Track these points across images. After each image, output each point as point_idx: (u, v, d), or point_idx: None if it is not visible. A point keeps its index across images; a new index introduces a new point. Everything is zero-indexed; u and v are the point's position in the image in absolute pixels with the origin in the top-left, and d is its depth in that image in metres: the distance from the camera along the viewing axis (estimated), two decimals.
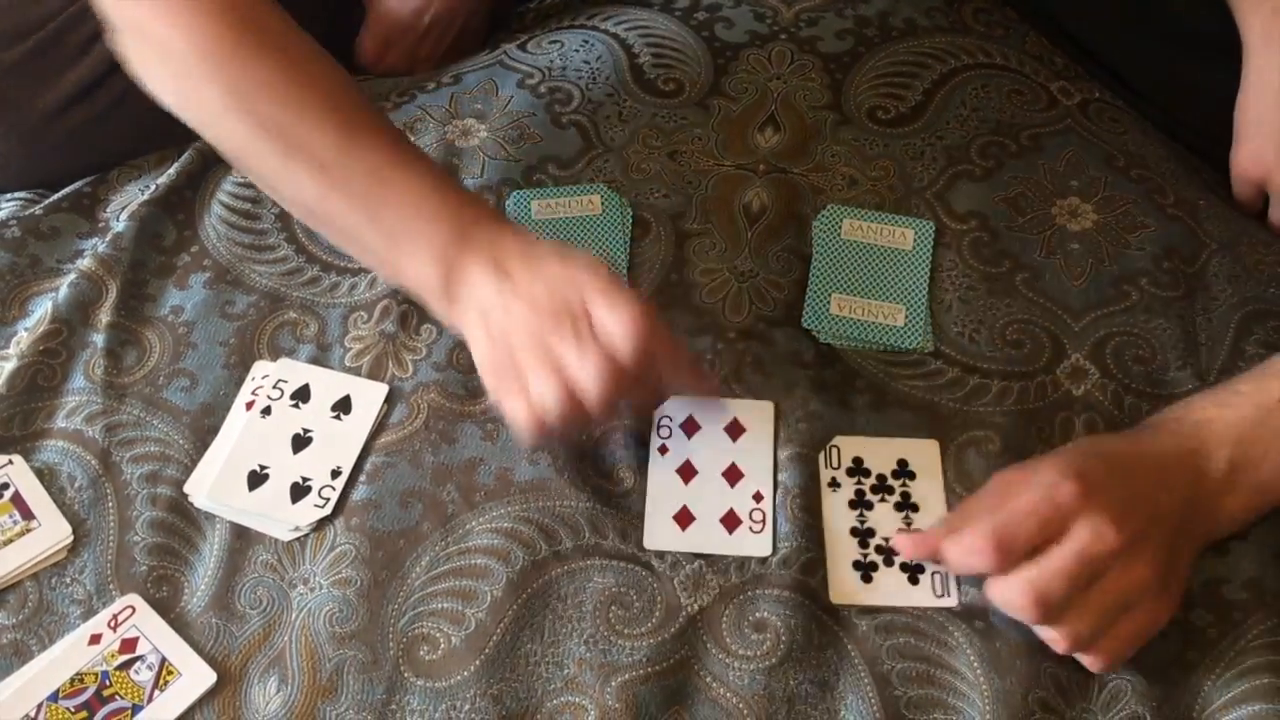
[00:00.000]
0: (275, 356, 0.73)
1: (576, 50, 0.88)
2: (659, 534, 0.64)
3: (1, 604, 0.63)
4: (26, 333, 0.73)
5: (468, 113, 0.84)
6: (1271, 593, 0.62)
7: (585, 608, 0.62)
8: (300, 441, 0.69)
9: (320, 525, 0.65)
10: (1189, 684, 0.60)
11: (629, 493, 0.66)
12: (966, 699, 0.59)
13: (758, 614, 0.61)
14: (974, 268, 0.75)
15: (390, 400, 0.70)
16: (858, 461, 0.67)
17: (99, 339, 0.73)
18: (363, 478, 0.67)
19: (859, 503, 0.66)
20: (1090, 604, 0.56)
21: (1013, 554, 0.55)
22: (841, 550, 0.64)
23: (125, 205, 0.80)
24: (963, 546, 0.57)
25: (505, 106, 0.85)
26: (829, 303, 0.73)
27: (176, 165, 0.81)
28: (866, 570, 0.63)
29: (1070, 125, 0.82)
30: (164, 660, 0.61)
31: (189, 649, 0.61)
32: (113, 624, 0.62)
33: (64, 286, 0.74)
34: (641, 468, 0.67)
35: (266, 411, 0.70)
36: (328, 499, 0.66)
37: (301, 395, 0.70)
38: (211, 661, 0.61)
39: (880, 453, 0.67)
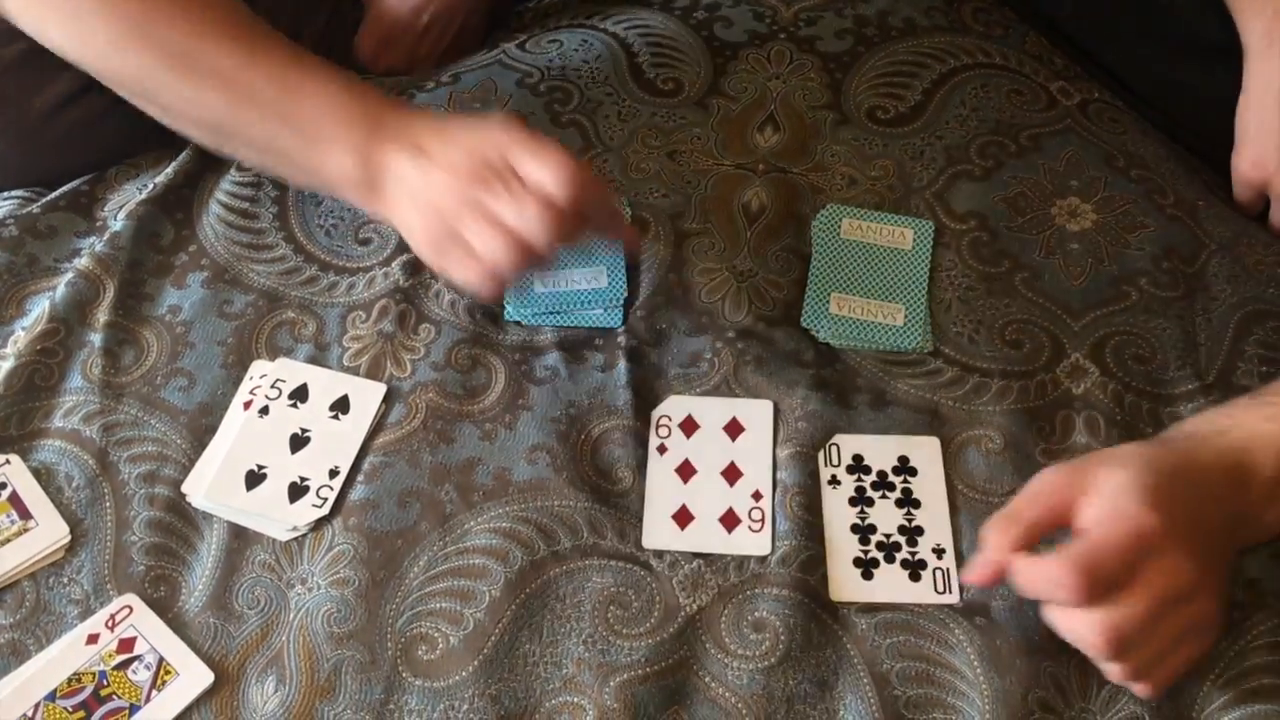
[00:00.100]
0: (273, 356, 0.72)
1: (575, 49, 0.88)
2: (658, 533, 0.64)
3: None
4: (24, 332, 0.73)
5: (467, 112, 0.84)
6: (1271, 593, 0.62)
7: (584, 608, 0.62)
8: (298, 441, 0.68)
9: (318, 525, 0.65)
10: (1189, 684, 0.60)
11: (627, 492, 0.66)
12: (966, 698, 0.59)
13: (757, 613, 0.61)
14: (973, 267, 0.75)
15: (388, 400, 0.70)
16: (858, 459, 0.67)
17: (96, 338, 0.72)
18: (361, 477, 0.67)
19: (860, 499, 0.65)
20: (1155, 639, 0.54)
21: (1098, 592, 0.53)
22: (842, 547, 0.64)
23: (123, 204, 0.79)
24: (1043, 576, 0.54)
25: (504, 106, 0.84)
26: (828, 302, 0.73)
27: (174, 164, 0.81)
28: (867, 567, 0.63)
29: (1070, 125, 0.82)
30: (161, 660, 0.61)
31: (187, 649, 0.61)
32: (110, 624, 0.62)
33: (61, 286, 0.74)
34: (640, 467, 0.67)
35: (264, 411, 0.70)
36: (326, 499, 0.66)
37: (299, 395, 0.70)
38: (209, 661, 0.61)
39: (881, 449, 0.67)
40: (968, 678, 0.59)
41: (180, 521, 0.66)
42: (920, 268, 0.75)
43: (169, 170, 0.81)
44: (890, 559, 0.63)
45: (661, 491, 0.66)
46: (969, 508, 0.65)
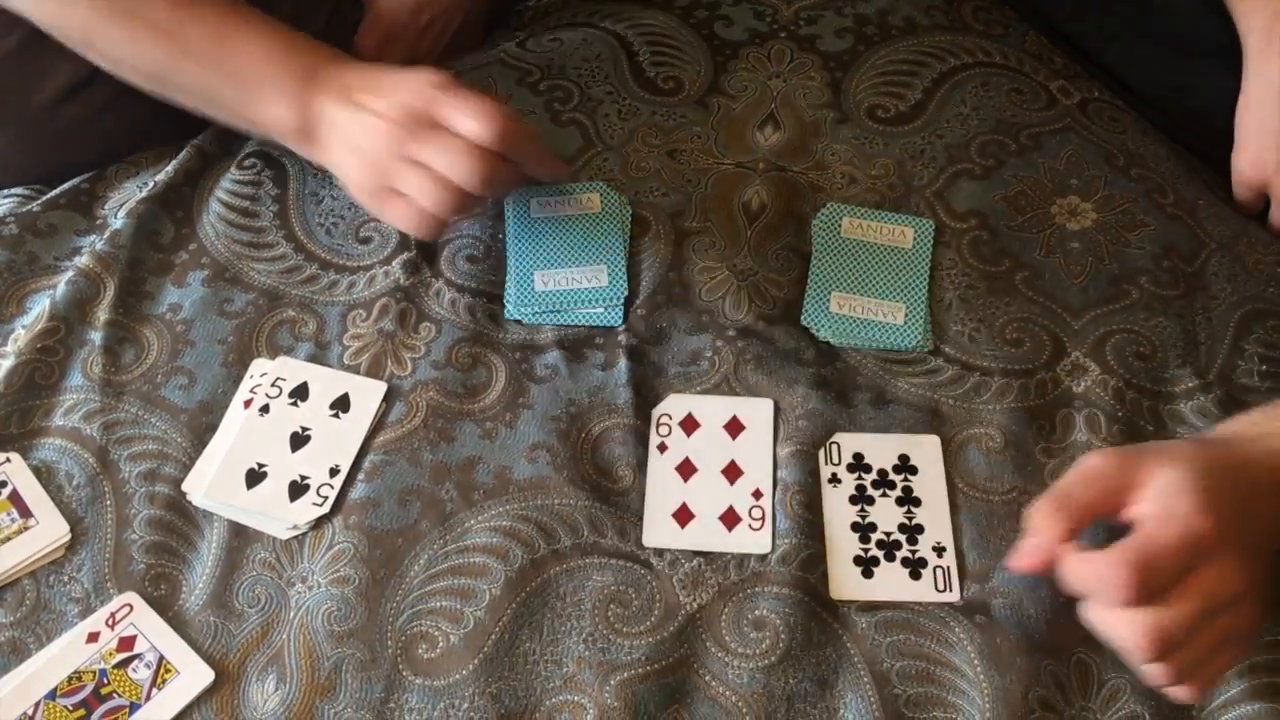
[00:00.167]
0: (274, 354, 0.72)
1: (576, 48, 0.88)
2: (658, 532, 0.64)
3: None
4: (24, 330, 0.73)
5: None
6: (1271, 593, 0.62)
7: (584, 606, 0.62)
8: (298, 439, 0.68)
9: (318, 523, 0.65)
10: None
11: (628, 490, 0.66)
12: (966, 696, 0.59)
13: (757, 612, 0.61)
14: (974, 266, 0.75)
15: (389, 398, 0.70)
16: (858, 457, 0.67)
17: (97, 337, 0.72)
18: (361, 476, 0.67)
19: (860, 498, 0.65)
20: (1199, 643, 0.53)
21: (1149, 593, 0.52)
22: (842, 546, 0.64)
23: (123, 202, 0.79)
24: (1094, 573, 0.53)
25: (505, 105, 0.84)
26: (828, 301, 0.73)
27: (175, 162, 0.81)
28: (868, 565, 0.63)
29: (1070, 124, 0.82)
30: (162, 658, 0.61)
31: (187, 647, 0.61)
32: (110, 622, 0.62)
33: (62, 284, 0.74)
34: (640, 465, 0.67)
35: (265, 410, 0.70)
36: (326, 497, 0.66)
37: (300, 393, 0.70)
38: (209, 660, 0.61)
39: (881, 448, 0.67)
40: (968, 676, 0.59)
41: (181, 520, 0.66)
42: (920, 266, 0.75)
43: (169, 168, 0.81)
44: (890, 557, 0.63)
45: (662, 490, 0.66)
46: (969, 506, 0.65)
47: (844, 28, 0.88)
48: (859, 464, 0.67)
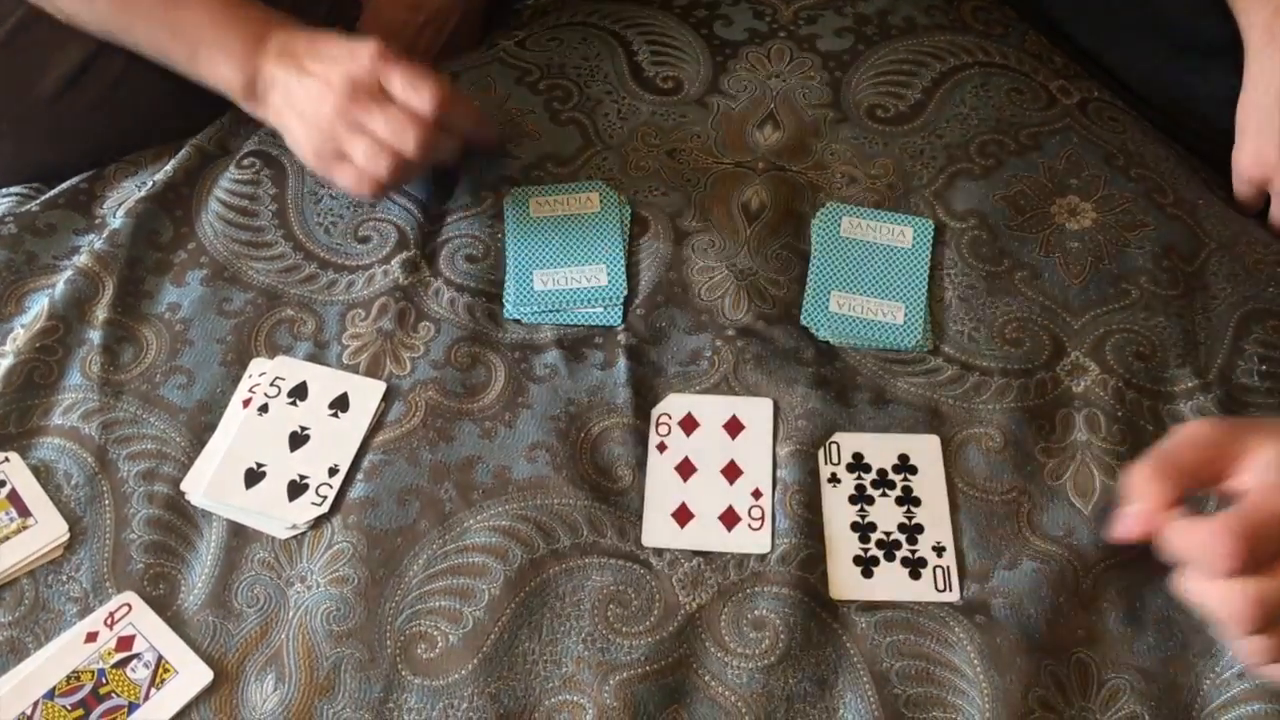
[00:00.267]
0: (273, 354, 0.72)
1: (575, 47, 0.88)
2: (657, 531, 0.64)
3: None
4: (23, 329, 0.73)
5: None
6: None
7: (583, 606, 0.61)
8: (297, 439, 0.68)
9: (317, 523, 0.65)
10: (1187, 683, 0.60)
11: (627, 490, 0.66)
12: (966, 696, 0.59)
13: (756, 612, 0.61)
14: (973, 266, 0.75)
15: (388, 398, 0.70)
16: (858, 457, 0.67)
17: (96, 336, 0.72)
18: (360, 475, 0.67)
19: (859, 498, 0.65)
20: None
21: (1259, 563, 0.50)
22: (842, 545, 0.64)
23: (122, 201, 0.79)
24: (1199, 541, 0.52)
25: (503, 104, 0.84)
26: (828, 300, 0.73)
27: (173, 162, 0.81)
28: (867, 565, 0.63)
29: (1070, 124, 0.82)
30: (160, 658, 0.61)
31: (185, 647, 0.61)
32: (109, 622, 0.62)
33: (60, 283, 0.74)
34: (640, 465, 0.67)
35: (264, 409, 0.69)
36: (325, 497, 0.66)
37: (299, 393, 0.70)
38: (208, 659, 0.61)
39: (881, 448, 0.67)
40: (968, 676, 0.59)
41: (179, 519, 0.66)
42: (920, 266, 0.75)
43: (168, 168, 0.81)
44: (890, 557, 0.63)
45: (661, 489, 0.66)
46: (969, 506, 0.65)
47: (844, 27, 0.88)
48: (858, 464, 0.67)
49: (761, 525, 0.64)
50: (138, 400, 0.70)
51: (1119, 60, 0.87)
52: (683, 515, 0.65)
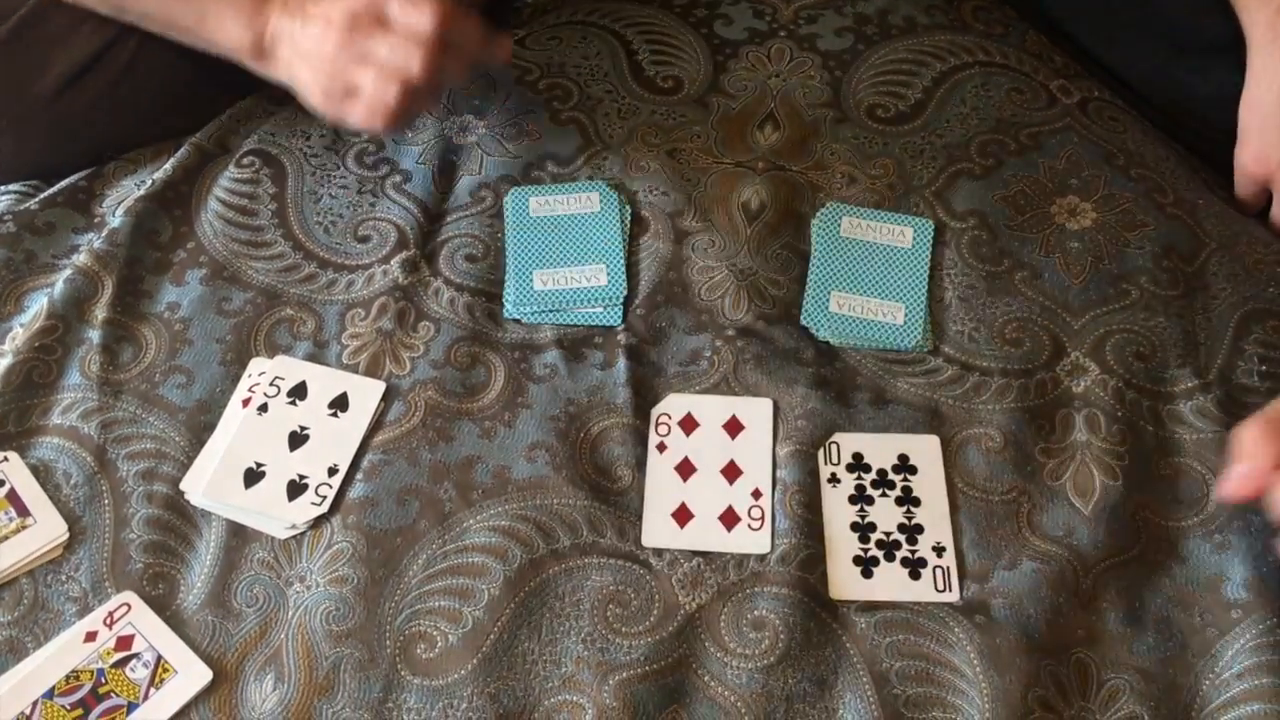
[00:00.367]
0: (272, 353, 0.72)
1: (575, 46, 0.88)
2: (657, 531, 0.64)
3: None
4: (22, 329, 0.72)
5: (466, 109, 0.84)
6: (1271, 593, 0.62)
7: (583, 606, 0.61)
8: (297, 439, 0.68)
9: (317, 523, 0.65)
10: (1187, 684, 0.60)
11: (627, 490, 0.66)
12: (965, 697, 0.59)
13: (756, 612, 0.61)
14: (973, 266, 0.75)
15: (387, 398, 0.70)
16: (858, 457, 0.67)
17: (95, 335, 0.72)
18: (360, 475, 0.67)
19: (859, 498, 0.65)
20: None
21: None
22: (842, 546, 0.64)
23: (121, 200, 0.79)
24: None
25: (503, 103, 0.84)
26: (828, 300, 0.73)
27: (173, 160, 0.81)
28: (867, 565, 0.63)
29: (1070, 124, 0.82)
30: (160, 658, 0.61)
31: (185, 647, 0.61)
32: (108, 621, 0.62)
33: (60, 282, 0.74)
34: (640, 465, 0.67)
35: (263, 409, 0.69)
36: (324, 497, 0.66)
37: (298, 392, 0.70)
38: (207, 659, 0.61)
39: (880, 448, 0.67)
40: (967, 676, 0.59)
41: (179, 519, 0.66)
42: (920, 266, 0.75)
43: (167, 167, 0.81)
44: (890, 557, 0.63)
45: (661, 489, 0.66)
46: (969, 506, 0.65)
47: (844, 27, 0.88)
48: (858, 464, 0.67)
49: (761, 525, 0.64)
50: (137, 400, 0.70)
51: (1119, 59, 0.87)
52: (682, 515, 0.65)
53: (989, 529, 0.64)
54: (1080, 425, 0.68)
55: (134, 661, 0.61)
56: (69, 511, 0.66)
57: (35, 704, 0.59)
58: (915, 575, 0.63)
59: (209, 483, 0.66)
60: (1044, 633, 0.60)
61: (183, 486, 0.67)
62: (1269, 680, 0.59)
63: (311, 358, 0.72)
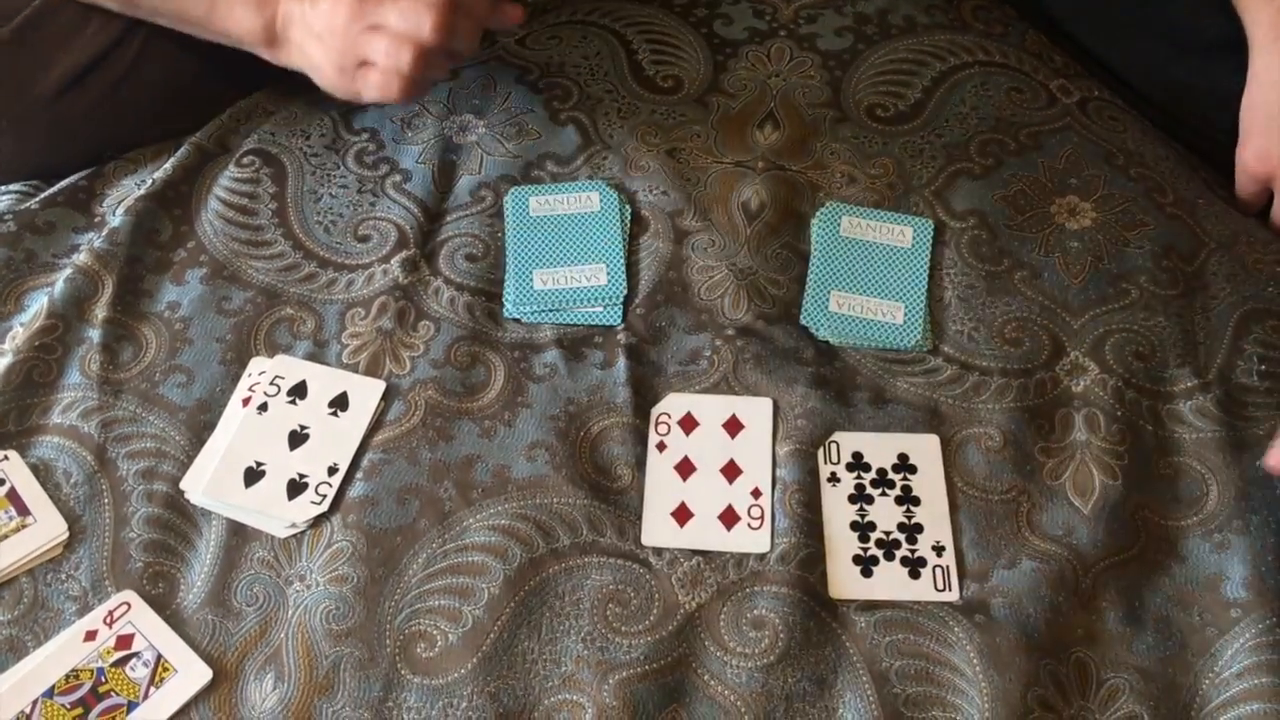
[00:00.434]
0: (272, 353, 0.72)
1: (575, 46, 0.88)
2: (657, 531, 0.64)
3: None
4: (22, 328, 0.72)
5: (465, 108, 0.84)
6: (1270, 592, 0.62)
7: (583, 605, 0.61)
8: (297, 438, 0.68)
9: (317, 522, 0.65)
10: (1186, 683, 0.60)
11: (627, 489, 0.66)
12: (965, 696, 0.59)
13: (755, 611, 0.61)
14: (973, 266, 0.75)
15: (387, 397, 0.70)
16: (857, 456, 0.67)
17: (95, 334, 0.72)
18: (360, 474, 0.67)
19: (859, 497, 0.65)
20: None
21: None
22: (841, 545, 0.64)
23: (121, 200, 0.79)
24: None
25: (503, 102, 0.84)
26: (828, 300, 0.73)
27: (173, 160, 0.81)
28: (867, 565, 0.63)
29: (1069, 123, 0.82)
30: (160, 657, 0.61)
31: (185, 646, 0.61)
32: (108, 620, 0.62)
33: (60, 281, 0.74)
34: (639, 464, 0.67)
35: (263, 408, 0.69)
36: (324, 496, 0.66)
37: (298, 392, 0.70)
38: (207, 658, 0.61)
39: (880, 447, 0.67)
40: (967, 675, 0.59)
41: (179, 518, 0.66)
42: (920, 266, 0.75)
43: (168, 166, 0.81)
44: (890, 556, 0.63)
45: (661, 489, 0.66)
46: (968, 505, 0.65)
47: (844, 26, 0.88)
48: (858, 463, 0.67)
49: (761, 524, 0.64)
50: (137, 399, 0.70)
51: (1120, 58, 0.87)
52: (682, 514, 0.65)
53: (988, 528, 0.64)
54: (1080, 425, 0.68)
55: (134, 660, 0.61)
56: (69, 510, 0.66)
57: (35, 703, 0.59)
58: (915, 574, 0.63)
59: (209, 482, 0.66)
60: (1043, 632, 0.60)
61: (183, 485, 0.67)
62: (1268, 679, 0.59)
63: (311, 357, 0.72)
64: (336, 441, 0.68)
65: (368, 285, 0.75)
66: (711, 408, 0.69)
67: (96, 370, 0.71)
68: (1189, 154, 0.83)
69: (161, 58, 0.80)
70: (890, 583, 0.62)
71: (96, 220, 0.79)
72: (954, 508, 0.65)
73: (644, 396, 0.70)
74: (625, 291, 0.74)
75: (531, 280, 0.74)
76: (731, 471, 0.67)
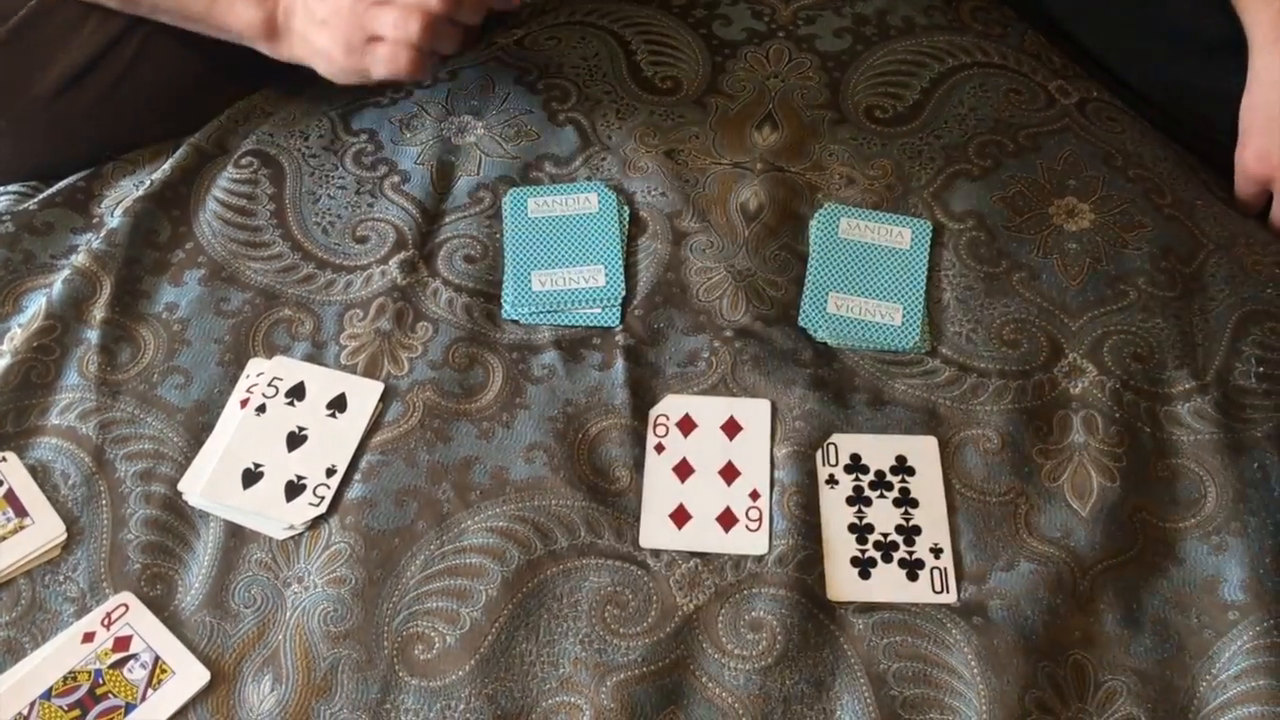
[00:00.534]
0: (270, 354, 0.72)
1: (573, 47, 0.88)
2: (655, 533, 0.64)
3: None
4: (20, 329, 0.72)
5: (464, 109, 0.84)
6: (1268, 595, 0.62)
7: (581, 607, 0.61)
8: (295, 439, 0.68)
9: (315, 524, 0.65)
10: (1184, 686, 0.60)
11: (625, 491, 0.66)
12: (963, 698, 0.59)
13: (753, 613, 0.61)
14: (971, 267, 0.75)
15: (385, 398, 0.70)
16: (855, 458, 0.67)
17: (93, 335, 0.72)
18: (358, 476, 0.67)
19: (857, 499, 0.65)
20: None
21: None
22: (839, 547, 0.64)
23: (120, 200, 0.79)
24: None
25: (502, 103, 0.84)
26: (826, 301, 0.73)
27: (171, 160, 0.81)
28: (865, 566, 0.63)
29: (1068, 124, 0.82)
30: (157, 659, 0.61)
31: (182, 647, 0.61)
32: (106, 622, 0.62)
33: (58, 282, 0.74)
34: (637, 466, 0.67)
35: (261, 409, 0.69)
36: (322, 497, 0.66)
37: (296, 393, 0.70)
38: (205, 660, 0.61)
39: (878, 449, 0.67)
40: (965, 678, 0.59)
41: (177, 520, 0.66)
42: (918, 267, 0.75)
43: (166, 167, 0.81)
44: (888, 558, 0.63)
45: (659, 491, 0.66)
46: (966, 507, 0.65)
47: (842, 28, 0.88)
48: (856, 465, 0.67)
49: (759, 526, 0.64)
50: (135, 400, 0.70)
51: (1120, 58, 0.87)
52: (680, 516, 0.65)
53: (986, 530, 0.64)
54: (1078, 426, 0.68)
55: (132, 662, 0.61)
56: (67, 512, 0.66)
57: (33, 705, 0.59)
58: (913, 576, 0.63)
59: (207, 483, 0.66)
60: (1041, 634, 0.60)
61: (181, 487, 0.67)
62: (1265, 682, 0.59)
63: (310, 358, 0.72)
64: (335, 443, 0.68)
65: (366, 286, 0.75)
66: (710, 409, 0.69)
67: (94, 371, 0.71)
68: (1188, 155, 0.83)
69: (159, 58, 0.80)
70: (888, 585, 0.62)
71: (95, 221, 0.79)
72: (952, 510, 0.65)
73: (642, 398, 0.70)
74: (623, 293, 0.74)
75: (530, 281, 0.74)
76: (730, 473, 0.67)
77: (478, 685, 0.59)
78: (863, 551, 0.64)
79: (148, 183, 0.80)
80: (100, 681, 0.60)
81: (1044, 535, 0.64)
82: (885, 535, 0.64)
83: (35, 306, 0.73)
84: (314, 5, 0.73)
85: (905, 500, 0.65)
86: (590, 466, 0.67)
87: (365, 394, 0.70)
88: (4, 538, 0.64)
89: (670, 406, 0.69)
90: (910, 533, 0.64)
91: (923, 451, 0.67)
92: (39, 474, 0.67)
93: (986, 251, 0.76)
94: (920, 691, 0.59)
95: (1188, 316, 0.73)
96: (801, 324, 0.73)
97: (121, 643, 0.61)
